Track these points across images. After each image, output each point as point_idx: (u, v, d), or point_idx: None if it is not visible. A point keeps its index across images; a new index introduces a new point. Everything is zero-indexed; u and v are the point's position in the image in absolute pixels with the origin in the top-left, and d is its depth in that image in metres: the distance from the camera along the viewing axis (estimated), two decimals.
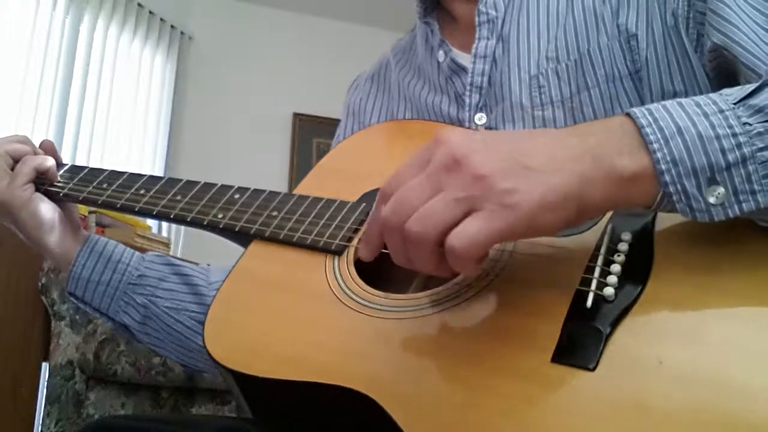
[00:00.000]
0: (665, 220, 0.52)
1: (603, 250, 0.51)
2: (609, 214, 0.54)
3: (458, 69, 0.75)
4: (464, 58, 0.75)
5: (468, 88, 0.74)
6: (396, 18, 3.11)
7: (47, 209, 0.76)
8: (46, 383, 1.77)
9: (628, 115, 0.47)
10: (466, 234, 0.43)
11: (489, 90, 0.73)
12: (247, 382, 0.54)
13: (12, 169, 0.76)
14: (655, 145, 0.44)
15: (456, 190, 0.43)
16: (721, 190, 0.44)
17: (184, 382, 1.82)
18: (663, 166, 0.44)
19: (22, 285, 1.85)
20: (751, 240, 0.48)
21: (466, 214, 0.43)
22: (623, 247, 0.51)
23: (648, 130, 0.45)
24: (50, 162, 0.78)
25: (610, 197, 0.45)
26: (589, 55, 0.67)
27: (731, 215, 0.44)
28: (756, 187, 0.44)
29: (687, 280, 0.47)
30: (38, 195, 0.76)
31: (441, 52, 0.78)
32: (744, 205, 0.44)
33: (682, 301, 0.46)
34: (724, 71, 0.58)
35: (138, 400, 1.82)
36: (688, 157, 0.44)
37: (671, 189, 0.44)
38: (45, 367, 1.80)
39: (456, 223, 0.43)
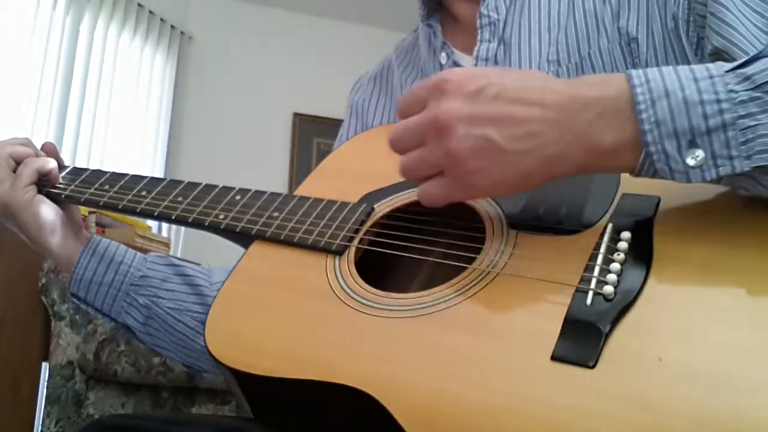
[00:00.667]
0: (665, 220, 0.52)
1: (603, 249, 0.51)
2: (609, 215, 0.54)
3: None
4: (466, 60, 0.76)
5: None
6: (396, 18, 3.11)
7: (49, 211, 0.77)
8: (46, 383, 1.77)
9: (625, 74, 0.48)
10: (427, 193, 0.53)
11: None
12: (247, 381, 0.54)
13: (14, 171, 0.77)
14: (642, 106, 0.46)
15: (431, 156, 0.52)
16: (701, 153, 0.46)
17: (184, 382, 1.82)
18: (646, 127, 0.46)
19: (22, 285, 1.86)
20: (751, 239, 0.48)
21: (437, 174, 0.52)
22: (623, 246, 0.51)
23: (638, 90, 0.47)
24: (52, 164, 0.78)
25: (587, 165, 0.49)
26: (589, 58, 0.67)
27: (708, 178, 0.46)
28: (734, 152, 0.45)
29: (686, 279, 0.48)
30: (40, 197, 0.76)
31: (443, 54, 0.78)
32: (721, 169, 0.46)
33: (681, 299, 0.47)
34: None
35: (138, 400, 1.82)
36: (671, 120, 0.46)
37: (652, 149, 0.46)
38: (45, 367, 1.80)
39: (428, 177, 0.53)
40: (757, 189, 0.47)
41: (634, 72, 0.48)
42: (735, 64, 0.47)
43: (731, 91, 0.45)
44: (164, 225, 2.91)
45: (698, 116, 0.45)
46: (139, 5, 3.10)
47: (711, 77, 0.46)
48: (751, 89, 0.45)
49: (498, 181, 0.49)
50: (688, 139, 0.46)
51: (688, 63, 0.62)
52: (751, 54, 0.54)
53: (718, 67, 0.47)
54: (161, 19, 3.21)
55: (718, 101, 0.45)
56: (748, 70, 0.46)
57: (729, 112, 0.45)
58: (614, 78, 0.49)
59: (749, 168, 0.45)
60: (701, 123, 0.45)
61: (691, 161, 0.46)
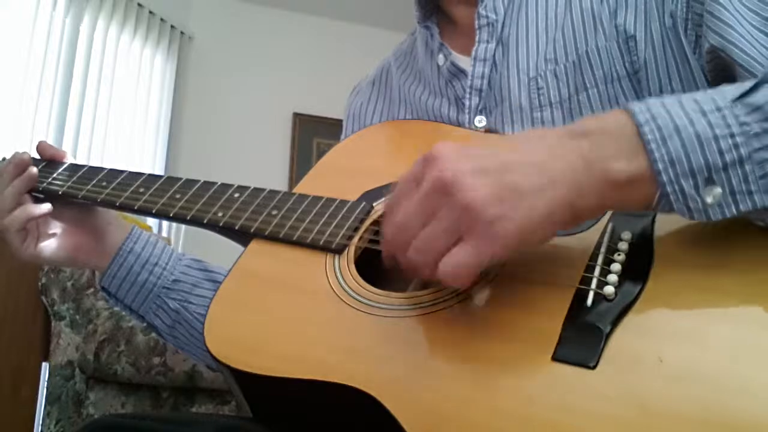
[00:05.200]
0: (665, 221, 0.52)
1: (603, 249, 0.51)
2: (609, 214, 0.54)
3: (458, 72, 0.76)
4: (464, 62, 0.76)
5: (468, 91, 0.74)
6: (396, 18, 3.11)
7: (63, 247, 0.77)
8: (46, 383, 1.77)
9: (626, 110, 0.46)
10: (453, 263, 0.45)
11: (489, 92, 0.73)
12: (246, 380, 0.54)
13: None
14: (653, 145, 0.44)
15: (446, 220, 0.45)
16: (718, 190, 0.44)
17: (184, 382, 1.82)
18: (660, 166, 0.44)
19: (22, 285, 1.86)
20: (751, 240, 0.48)
21: (458, 241, 0.45)
22: (623, 246, 0.51)
23: (646, 128, 0.45)
24: (23, 186, 0.75)
25: (605, 202, 0.46)
26: (587, 56, 0.67)
27: (728, 215, 0.44)
28: (753, 187, 0.44)
29: (686, 280, 0.47)
30: (43, 246, 0.76)
31: (441, 56, 0.78)
32: (741, 205, 0.44)
33: (681, 300, 0.47)
34: (722, 73, 0.58)
35: (138, 400, 1.82)
36: (685, 158, 0.44)
37: (668, 189, 0.44)
38: (45, 367, 1.80)
39: (448, 250, 0.45)
40: None
41: (636, 107, 0.46)
42: (740, 91, 0.45)
43: (743, 123, 0.44)
44: (164, 225, 2.91)
45: (713, 152, 0.44)
46: (139, 5, 3.10)
47: (719, 109, 0.44)
48: (763, 120, 0.44)
49: (523, 223, 0.44)
50: (705, 177, 0.44)
51: (687, 61, 0.62)
52: (748, 52, 0.54)
53: (723, 97, 0.45)
54: (161, 19, 3.21)
55: (732, 135, 0.44)
56: (757, 99, 0.44)
57: (744, 146, 0.43)
58: (610, 113, 0.47)
59: None
60: (717, 159, 0.43)
61: (709, 199, 0.44)
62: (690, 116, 0.45)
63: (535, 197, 0.45)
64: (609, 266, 0.49)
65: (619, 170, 0.45)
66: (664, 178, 0.44)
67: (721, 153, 0.44)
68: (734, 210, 0.44)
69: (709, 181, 0.44)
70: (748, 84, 0.46)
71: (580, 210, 0.46)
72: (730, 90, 0.46)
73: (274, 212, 0.66)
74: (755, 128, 0.44)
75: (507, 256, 0.46)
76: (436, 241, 0.46)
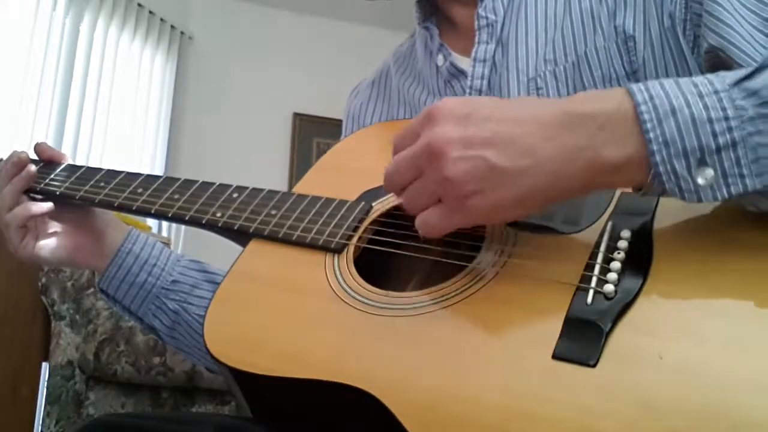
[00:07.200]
0: (664, 219, 0.52)
1: (603, 248, 0.51)
2: (609, 214, 0.54)
3: (458, 73, 0.76)
4: (464, 62, 0.76)
5: (468, 91, 0.74)
6: (396, 18, 3.11)
7: (61, 247, 0.77)
8: (46, 383, 1.77)
9: (626, 90, 0.47)
10: (425, 222, 0.51)
11: (489, 93, 0.73)
12: (246, 380, 0.54)
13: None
14: (648, 125, 0.45)
15: (429, 184, 0.50)
16: (711, 172, 0.44)
17: (184, 382, 1.82)
18: (654, 147, 0.45)
19: (22, 285, 1.86)
20: (749, 238, 0.48)
21: (437, 201, 0.50)
22: (623, 245, 0.51)
23: (643, 108, 0.45)
24: (22, 184, 0.76)
25: (592, 184, 0.48)
26: (586, 57, 0.67)
27: (719, 197, 0.45)
28: (745, 171, 0.44)
29: (685, 277, 0.47)
30: (42, 244, 0.76)
31: (440, 56, 0.78)
32: (732, 188, 0.44)
33: (681, 297, 0.47)
34: None
35: (138, 400, 1.82)
36: (679, 139, 0.44)
37: (661, 169, 0.45)
38: (45, 367, 1.80)
39: (428, 207, 0.51)
40: (767, 206, 0.46)
41: (635, 87, 0.46)
42: (738, 76, 0.45)
43: (738, 107, 0.44)
44: (164, 224, 2.91)
45: (707, 135, 0.44)
46: (139, 5, 3.10)
47: (716, 92, 0.45)
48: (758, 105, 0.44)
49: (496, 202, 0.47)
50: (698, 158, 0.44)
51: (686, 61, 0.62)
52: (747, 52, 0.54)
53: (721, 81, 0.45)
54: (161, 19, 3.21)
55: (726, 118, 0.44)
56: (753, 84, 0.45)
57: (738, 129, 0.44)
58: (611, 92, 0.48)
59: (761, 186, 0.44)
60: (710, 141, 0.44)
61: (701, 181, 0.44)
62: (687, 98, 0.45)
63: (514, 179, 0.47)
64: (609, 265, 0.49)
65: (611, 156, 0.46)
66: (657, 158, 0.45)
67: (714, 135, 0.44)
68: (725, 192, 0.44)
69: (702, 163, 0.44)
70: (747, 69, 0.46)
71: (558, 194, 0.48)
72: (729, 75, 0.46)
73: (273, 212, 0.66)
74: (750, 112, 0.44)
75: (476, 225, 0.51)
76: (419, 198, 0.51)
